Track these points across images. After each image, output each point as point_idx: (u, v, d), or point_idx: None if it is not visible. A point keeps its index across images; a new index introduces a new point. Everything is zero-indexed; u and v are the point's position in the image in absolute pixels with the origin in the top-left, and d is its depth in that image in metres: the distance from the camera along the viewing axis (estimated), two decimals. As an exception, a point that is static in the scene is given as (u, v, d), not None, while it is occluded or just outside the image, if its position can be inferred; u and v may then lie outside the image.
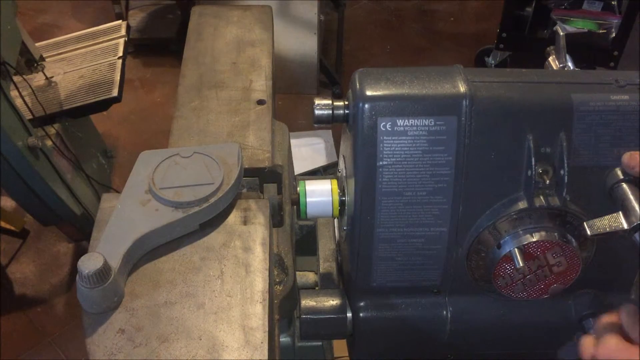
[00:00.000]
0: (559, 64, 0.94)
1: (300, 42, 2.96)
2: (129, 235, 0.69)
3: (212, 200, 0.74)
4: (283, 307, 0.81)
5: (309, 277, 0.99)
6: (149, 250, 0.72)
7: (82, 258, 0.64)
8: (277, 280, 0.82)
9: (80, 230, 2.13)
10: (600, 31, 2.60)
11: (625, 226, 0.68)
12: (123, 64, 2.23)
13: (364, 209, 0.76)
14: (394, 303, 0.84)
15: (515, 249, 0.74)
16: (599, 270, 0.81)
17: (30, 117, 1.92)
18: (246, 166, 0.83)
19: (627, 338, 0.63)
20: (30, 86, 2.00)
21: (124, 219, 0.72)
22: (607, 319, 0.66)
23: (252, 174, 0.85)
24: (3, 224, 2.36)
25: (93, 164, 2.39)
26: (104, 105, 2.15)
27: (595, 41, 2.59)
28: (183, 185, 0.75)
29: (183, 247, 0.73)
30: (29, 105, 1.94)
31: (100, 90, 2.14)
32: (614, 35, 2.57)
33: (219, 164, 0.78)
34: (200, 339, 0.63)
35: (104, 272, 0.63)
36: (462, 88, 0.72)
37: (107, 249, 0.67)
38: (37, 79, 2.17)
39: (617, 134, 0.73)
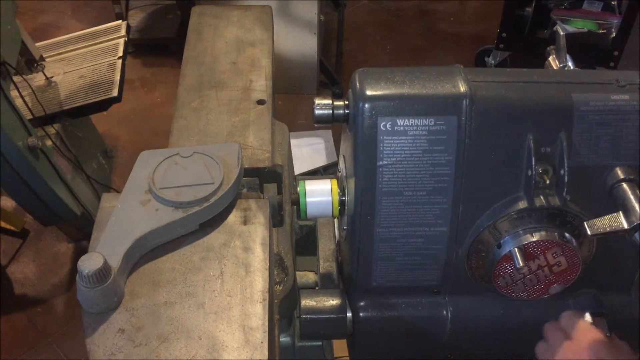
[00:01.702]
0: (559, 64, 0.94)
1: (300, 42, 2.96)
2: (129, 235, 0.69)
3: (212, 200, 0.74)
4: (283, 307, 0.81)
5: (309, 277, 0.99)
6: (149, 250, 0.72)
7: (82, 258, 0.64)
8: (277, 280, 0.82)
9: (80, 230, 2.13)
10: (600, 31, 2.60)
11: (626, 226, 0.68)
12: (123, 64, 2.23)
13: (364, 209, 0.76)
14: (394, 303, 0.84)
15: (516, 249, 0.74)
16: (599, 270, 0.81)
17: (30, 117, 1.92)
18: (246, 166, 0.83)
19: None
20: (30, 86, 2.00)
21: (124, 219, 0.72)
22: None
23: (252, 174, 0.85)
24: (3, 224, 2.36)
25: (93, 164, 2.39)
26: (104, 105, 2.15)
27: (595, 41, 2.59)
28: (183, 185, 0.75)
29: (183, 247, 0.73)
30: (29, 105, 1.94)
31: (100, 90, 2.14)
32: (614, 35, 2.57)
33: (219, 163, 0.78)
34: (200, 339, 0.63)
35: (104, 272, 0.63)
36: (462, 88, 0.72)
37: (107, 248, 0.67)
38: (37, 79, 2.17)
39: (617, 134, 0.73)
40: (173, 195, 0.74)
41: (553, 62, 0.95)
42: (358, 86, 0.74)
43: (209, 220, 0.75)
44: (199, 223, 0.74)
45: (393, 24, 3.72)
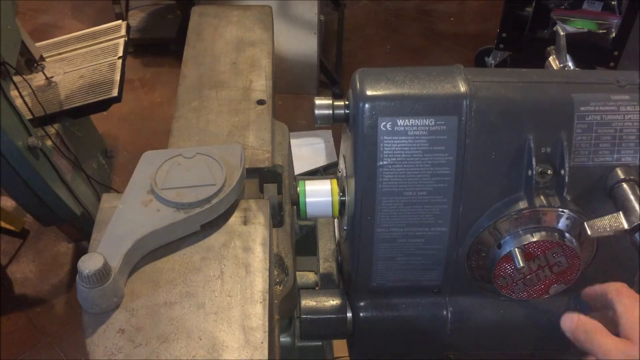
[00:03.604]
0: (559, 63, 0.94)
1: (300, 42, 2.96)
2: (130, 235, 0.69)
3: (214, 201, 0.74)
4: (283, 307, 0.81)
5: (309, 277, 0.99)
6: (150, 250, 0.72)
7: (82, 258, 0.64)
8: (277, 280, 0.82)
9: (80, 230, 2.13)
10: (600, 31, 2.60)
11: (626, 226, 0.68)
12: (123, 64, 2.23)
13: (364, 209, 0.76)
14: (394, 303, 0.84)
15: (516, 249, 0.74)
16: (599, 270, 0.81)
17: (30, 117, 1.92)
18: (246, 166, 0.83)
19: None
20: (30, 86, 2.00)
21: (126, 219, 0.72)
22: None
23: (252, 174, 0.85)
24: (3, 224, 2.36)
25: (93, 164, 2.39)
26: (104, 105, 2.15)
27: (595, 41, 2.59)
28: (185, 186, 0.75)
29: (183, 247, 0.73)
30: (29, 105, 1.94)
31: (100, 90, 2.14)
32: (614, 35, 2.57)
33: (221, 165, 0.78)
34: (200, 339, 0.63)
35: (104, 272, 0.63)
36: (462, 88, 0.72)
37: (107, 249, 0.67)
38: (37, 79, 2.17)
39: (617, 134, 0.73)
40: (175, 196, 0.74)
41: (553, 62, 0.95)
42: (358, 86, 0.74)
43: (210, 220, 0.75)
44: (200, 224, 0.74)
45: (393, 24, 3.72)
